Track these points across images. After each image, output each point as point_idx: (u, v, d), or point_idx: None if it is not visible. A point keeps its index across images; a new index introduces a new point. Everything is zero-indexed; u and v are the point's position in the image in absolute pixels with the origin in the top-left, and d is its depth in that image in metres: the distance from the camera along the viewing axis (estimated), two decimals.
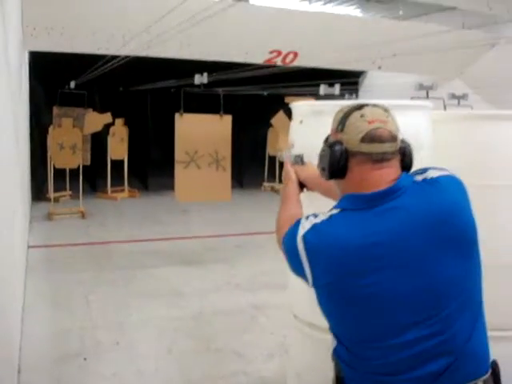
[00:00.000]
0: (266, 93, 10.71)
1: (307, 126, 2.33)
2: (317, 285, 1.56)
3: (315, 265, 1.53)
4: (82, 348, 4.02)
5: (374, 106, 1.60)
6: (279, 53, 6.95)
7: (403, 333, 1.48)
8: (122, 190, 10.63)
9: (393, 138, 1.54)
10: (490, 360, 1.59)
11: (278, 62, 7.05)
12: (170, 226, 8.27)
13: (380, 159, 1.53)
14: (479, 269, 1.58)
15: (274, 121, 9.61)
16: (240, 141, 7.51)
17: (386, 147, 1.53)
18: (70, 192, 9.86)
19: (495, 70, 7.07)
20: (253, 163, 11.77)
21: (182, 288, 5.40)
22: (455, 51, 6.51)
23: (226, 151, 6.22)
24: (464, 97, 6.09)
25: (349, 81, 8.84)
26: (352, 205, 1.56)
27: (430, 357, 1.48)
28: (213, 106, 7.05)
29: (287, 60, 7.08)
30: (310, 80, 7.87)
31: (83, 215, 8.63)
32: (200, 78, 6.48)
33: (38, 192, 9.60)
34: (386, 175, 1.53)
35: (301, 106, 2.39)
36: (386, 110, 1.59)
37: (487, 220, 2.50)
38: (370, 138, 1.52)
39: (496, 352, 2.58)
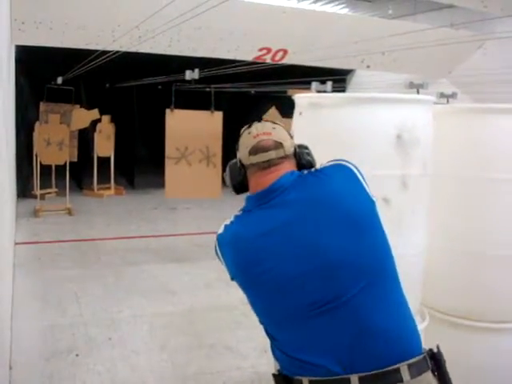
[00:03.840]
0: (253, 91, 10.70)
1: (305, 118, 2.35)
2: (231, 277, 1.73)
3: (225, 260, 1.71)
4: (74, 344, 3.99)
5: (262, 122, 1.79)
6: (269, 50, 6.94)
7: (306, 310, 1.58)
8: (109, 188, 10.55)
9: (278, 146, 1.71)
10: (419, 344, 1.62)
11: (268, 59, 7.04)
12: (157, 223, 8.24)
13: (267, 166, 1.70)
14: (380, 246, 1.66)
15: (266, 117, 9.59)
16: (228, 138, 7.47)
17: (271, 154, 1.70)
18: (55, 189, 9.79)
19: (482, 70, 7.14)
20: None
21: (173, 284, 5.39)
22: (443, 51, 6.54)
23: (217, 148, 6.21)
24: (453, 95, 6.14)
25: (337, 78, 8.86)
26: (249, 205, 1.75)
27: (335, 332, 1.55)
28: (202, 102, 7.02)
29: (277, 57, 7.07)
30: (300, 77, 7.87)
31: (70, 212, 8.56)
32: (191, 74, 6.44)
33: (24, 189, 9.51)
34: (273, 178, 1.70)
35: (300, 98, 2.40)
36: (274, 123, 1.78)
37: (487, 212, 2.55)
38: (255, 150, 1.71)
39: (497, 344, 2.63)
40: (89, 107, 9.53)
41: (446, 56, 7.29)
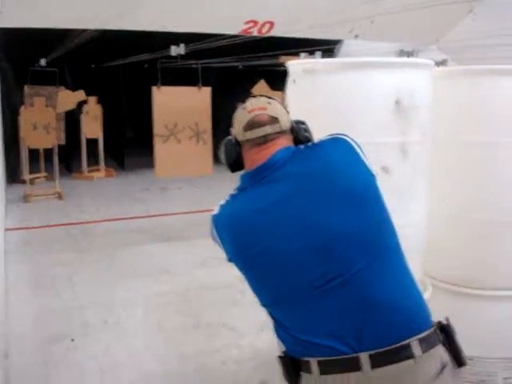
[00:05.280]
0: (240, 65, 10.55)
1: (299, 86, 2.27)
2: (229, 259, 1.66)
3: (222, 241, 1.65)
4: (70, 329, 3.94)
5: (257, 97, 1.73)
6: (255, 23, 6.80)
7: (309, 289, 1.51)
8: (98, 170, 10.46)
9: (273, 120, 1.64)
10: (428, 317, 1.56)
11: (255, 32, 6.90)
12: (149, 203, 8.17)
13: (263, 141, 1.64)
14: (382, 220, 1.59)
15: (254, 90, 9.49)
16: (217, 114, 7.38)
17: (267, 129, 1.64)
18: (45, 173, 9.67)
19: (471, 36, 7.05)
20: None
21: (167, 264, 5.34)
22: (432, 17, 6.44)
23: (207, 124, 6.10)
24: (443, 63, 6.05)
25: (325, 48, 8.73)
26: (244, 183, 1.68)
27: (342, 310, 1.49)
28: (189, 79, 6.90)
29: (263, 30, 6.94)
30: (288, 49, 7.76)
31: (60, 196, 8.48)
32: (177, 49, 6.31)
33: (13, 174, 9.39)
34: (269, 153, 1.63)
35: (294, 65, 2.31)
36: (269, 98, 1.71)
37: (489, 178, 2.49)
38: (250, 125, 1.65)
39: (501, 312, 2.59)
40: (74, 89, 9.38)
41: (435, 23, 7.18)
